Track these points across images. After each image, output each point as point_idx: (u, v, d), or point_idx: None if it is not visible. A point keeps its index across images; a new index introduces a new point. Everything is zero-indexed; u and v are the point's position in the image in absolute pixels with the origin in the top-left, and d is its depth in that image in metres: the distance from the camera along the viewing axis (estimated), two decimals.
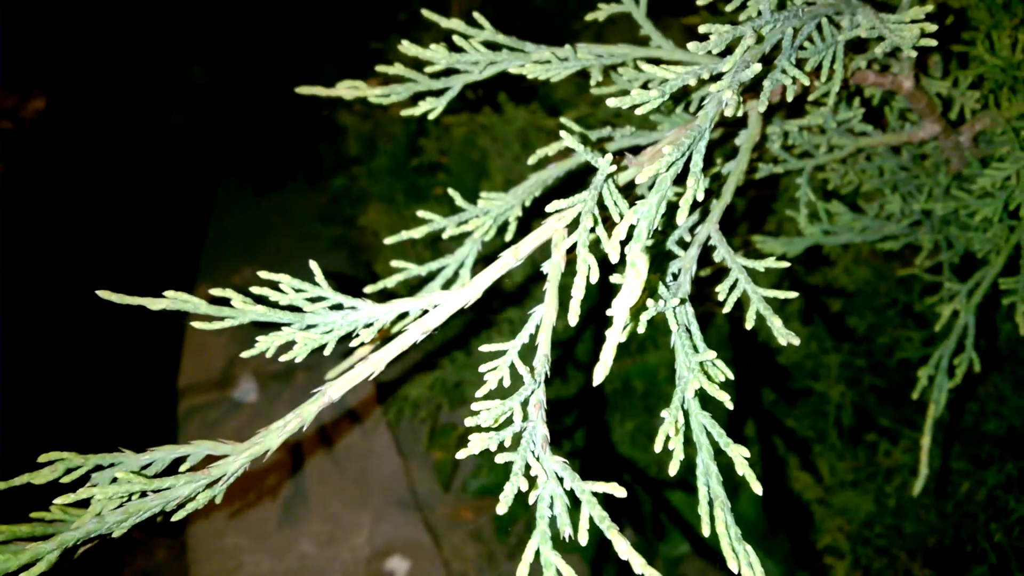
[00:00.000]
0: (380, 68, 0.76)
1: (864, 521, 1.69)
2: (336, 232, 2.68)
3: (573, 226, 0.65)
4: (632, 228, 0.53)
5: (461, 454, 0.56)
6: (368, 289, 0.79)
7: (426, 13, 0.77)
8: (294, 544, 1.98)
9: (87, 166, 3.33)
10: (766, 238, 1.06)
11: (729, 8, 0.66)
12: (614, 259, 0.51)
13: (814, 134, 0.89)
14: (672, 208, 0.69)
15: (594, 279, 0.56)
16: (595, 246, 0.62)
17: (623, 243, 0.52)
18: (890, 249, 1.07)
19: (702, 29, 0.54)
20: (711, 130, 0.54)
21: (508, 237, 0.83)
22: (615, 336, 0.50)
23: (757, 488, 0.54)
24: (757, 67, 0.49)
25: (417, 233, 0.79)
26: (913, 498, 1.63)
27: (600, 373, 0.50)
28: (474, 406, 0.57)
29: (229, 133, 3.41)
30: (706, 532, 0.54)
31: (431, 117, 0.77)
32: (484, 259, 0.79)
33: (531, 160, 0.75)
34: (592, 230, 0.59)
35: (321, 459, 2.17)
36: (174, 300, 0.63)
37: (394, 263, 0.81)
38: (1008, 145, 0.89)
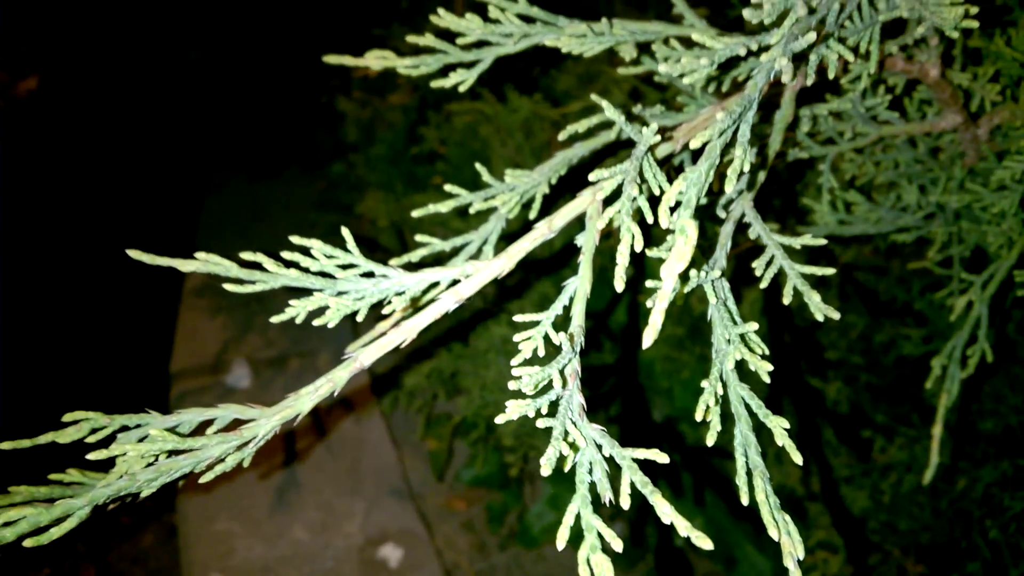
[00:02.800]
0: (411, 38, 0.76)
1: (858, 517, 1.70)
2: (333, 219, 2.66)
3: (609, 200, 0.65)
4: (680, 196, 0.53)
5: (500, 419, 0.56)
6: (393, 261, 0.78)
7: None
8: (286, 530, 1.97)
9: (78, 149, 3.29)
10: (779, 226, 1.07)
11: None
12: (664, 224, 0.51)
13: (838, 121, 0.89)
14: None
15: (638, 247, 0.56)
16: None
17: (671, 210, 0.52)
18: (903, 242, 1.08)
19: None
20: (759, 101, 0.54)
21: (532, 215, 0.83)
22: (664, 301, 0.50)
23: (797, 458, 0.54)
24: (812, 36, 0.49)
25: (444, 207, 0.79)
26: (908, 495, 1.64)
27: (649, 336, 0.50)
28: (514, 371, 0.57)
29: (225, 118, 3.38)
30: (744, 501, 0.54)
31: (462, 89, 0.76)
32: (505, 237, 0.79)
33: (561, 136, 0.75)
34: (634, 200, 0.59)
35: (315, 447, 2.15)
36: (206, 262, 0.62)
37: (419, 237, 0.81)
38: None
